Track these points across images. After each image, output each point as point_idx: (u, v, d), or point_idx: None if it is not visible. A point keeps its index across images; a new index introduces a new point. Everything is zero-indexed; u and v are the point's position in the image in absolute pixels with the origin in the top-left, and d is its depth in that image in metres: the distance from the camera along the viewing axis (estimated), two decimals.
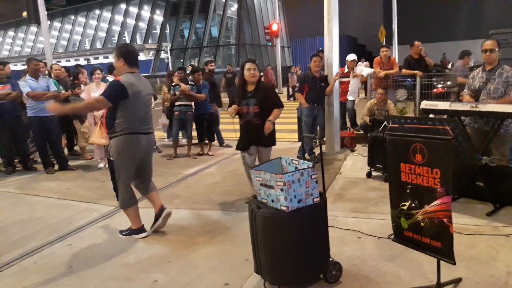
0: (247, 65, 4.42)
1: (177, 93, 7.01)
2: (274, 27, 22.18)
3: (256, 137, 4.46)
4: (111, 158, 3.67)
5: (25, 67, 6.58)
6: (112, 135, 3.63)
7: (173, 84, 7.30)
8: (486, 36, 4.82)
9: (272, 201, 2.66)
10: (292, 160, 2.93)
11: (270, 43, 23.88)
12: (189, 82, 7.12)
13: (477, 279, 2.78)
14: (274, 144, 4.62)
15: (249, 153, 4.56)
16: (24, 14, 12.24)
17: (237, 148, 4.68)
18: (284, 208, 2.56)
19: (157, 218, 3.90)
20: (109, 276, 3.12)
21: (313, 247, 2.67)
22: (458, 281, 2.73)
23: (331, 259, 2.82)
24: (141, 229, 3.85)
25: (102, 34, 38.75)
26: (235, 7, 33.41)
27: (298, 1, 41.78)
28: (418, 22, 32.71)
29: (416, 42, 7.89)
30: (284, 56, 34.53)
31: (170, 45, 29.89)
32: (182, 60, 32.82)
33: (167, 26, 34.95)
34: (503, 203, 3.98)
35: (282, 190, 2.55)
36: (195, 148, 7.61)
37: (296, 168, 2.84)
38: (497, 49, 4.18)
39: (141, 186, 3.97)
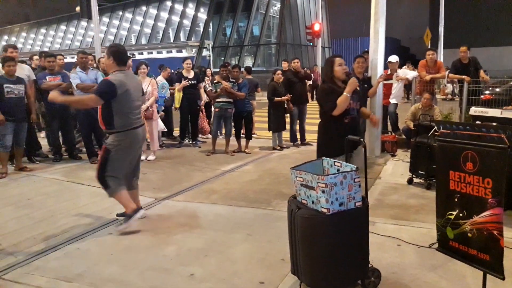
0: (338, 60, 3.91)
1: (218, 90, 7.09)
2: (316, 27, 21.95)
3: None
4: (109, 148, 3.82)
5: (75, 59, 6.87)
6: (111, 130, 3.84)
7: (215, 81, 7.39)
8: None
9: (313, 202, 2.62)
10: (334, 162, 2.89)
11: (311, 43, 23.66)
12: (230, 80, 7.19)
13: None
14: None
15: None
16: (77, 9, 12.83)
17: (330, 155, 3.53)
18: (324, 210, 2.53)
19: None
20: (148, 267, 3.20)
21: (353, 252, 2.62)
22: None
23: (370, 265, 2.76)
24: (136, 210, 3.94)
25: (148, 30, 39.84)
26: (277, 6, 33.38)
27: (341, 1, 41.20)
28: (466, 26, 31.45)
29: (461, 48, 7.61)
30: (325, 56, 34.19)
31: (212, 43, 30.33)
32: (223, 58, 33.21)
33: (210, 24, 35.45)
34: None
35: (323, 191, 2.51)
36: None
37: (338, 170, 2.79)
38: None
39: (126, 179, 4.08)
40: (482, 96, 7.84)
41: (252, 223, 4.05)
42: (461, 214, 2.48)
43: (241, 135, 7.64)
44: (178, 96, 7.95)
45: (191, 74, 7.98)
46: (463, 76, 7.41)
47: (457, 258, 2.58)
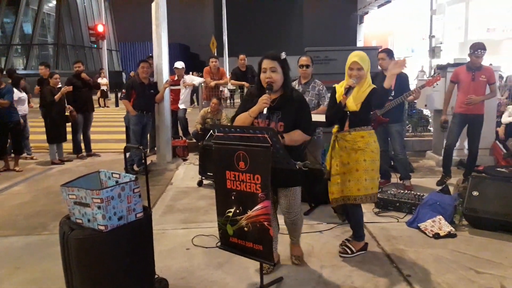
0: (264, 63, 2.89)
1: None
2: (100, 28, 20.76)
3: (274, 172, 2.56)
4: None
5: None
6: None
7: None
8: (303, 53, 5.40)
9: (88, 220, 2.35)
10: (112, 173, 2.67)
11: (96, 45, 22.26)
12: None
13: (297, 276, 2.98)
14: (299, 185, 2.98)
15: None
16: None
17: None
18: (102, 228, 2.29)
19: None
20: None
21: (137, 266, 2.45)
22: (279, 280, 2.88)
23: (156, 276, 2.66)
24: None
25: None
26: (53, 3, 30.14)
27: (127, 4, 40.19)
28: (247, 36, 35.34)
29: (240, 55, 8.38)
30: (112, 59, 32.72)
31: None
32: None
33: None
34: (318, 203, 4.45)
35: (99, 207, 2.27)
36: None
37: (117, 182, 2.59)
38: (311, 65, 4.67)
39: None
40: None
41: (22, 254, 3.42)
42: (238, 211, 2.62)
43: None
44: None
45: None
46: (243, 82, 8.17)
47: (238, 253, 2.72)
